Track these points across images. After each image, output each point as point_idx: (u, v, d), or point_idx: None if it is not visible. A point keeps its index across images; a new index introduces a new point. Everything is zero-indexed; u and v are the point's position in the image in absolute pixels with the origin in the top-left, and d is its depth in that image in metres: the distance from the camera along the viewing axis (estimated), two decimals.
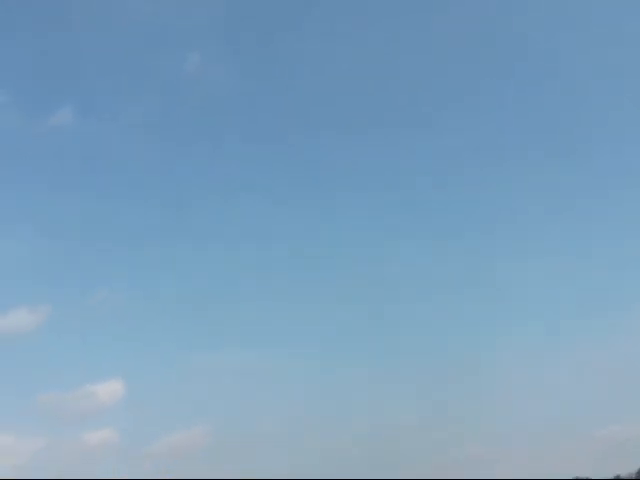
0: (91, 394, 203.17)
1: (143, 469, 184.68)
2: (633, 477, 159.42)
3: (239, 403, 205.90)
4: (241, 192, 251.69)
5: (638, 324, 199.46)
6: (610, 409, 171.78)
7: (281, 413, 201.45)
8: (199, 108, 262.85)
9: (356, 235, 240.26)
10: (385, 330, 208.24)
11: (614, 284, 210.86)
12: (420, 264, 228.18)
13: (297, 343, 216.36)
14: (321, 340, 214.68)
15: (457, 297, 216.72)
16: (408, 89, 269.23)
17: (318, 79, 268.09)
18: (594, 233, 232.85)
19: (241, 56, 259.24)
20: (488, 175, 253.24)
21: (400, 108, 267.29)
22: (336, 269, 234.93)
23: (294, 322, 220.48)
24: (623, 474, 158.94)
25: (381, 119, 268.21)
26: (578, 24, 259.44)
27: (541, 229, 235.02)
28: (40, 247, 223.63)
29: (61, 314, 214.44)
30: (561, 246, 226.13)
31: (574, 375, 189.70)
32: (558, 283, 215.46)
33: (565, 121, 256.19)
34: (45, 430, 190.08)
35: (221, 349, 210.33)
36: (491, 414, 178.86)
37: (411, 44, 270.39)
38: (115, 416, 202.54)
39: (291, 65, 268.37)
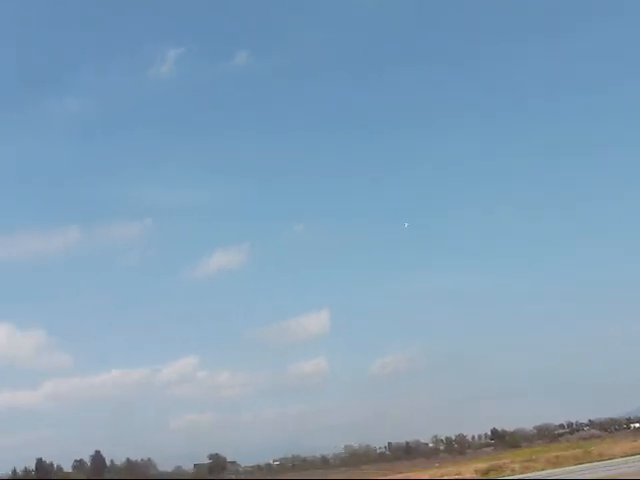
0: (300, 325, 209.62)
1: (355, 394, 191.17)
2: None
3: (439, 328, 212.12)
4: None
5: None
6: None
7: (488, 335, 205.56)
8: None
9: None
10: None
11: None
12: None
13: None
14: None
15: None
16: None
17: None
18: None
19: None
20: None
21: None
22: None
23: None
24: None
25: None
26: None
27: None
28: (231, 189, 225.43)
29: (261, 251, 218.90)
30: None
31: None
32: None
33: None
34: (258, 362, 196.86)
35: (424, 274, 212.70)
36: None
37: None
38: (324, 345, 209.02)
39: None
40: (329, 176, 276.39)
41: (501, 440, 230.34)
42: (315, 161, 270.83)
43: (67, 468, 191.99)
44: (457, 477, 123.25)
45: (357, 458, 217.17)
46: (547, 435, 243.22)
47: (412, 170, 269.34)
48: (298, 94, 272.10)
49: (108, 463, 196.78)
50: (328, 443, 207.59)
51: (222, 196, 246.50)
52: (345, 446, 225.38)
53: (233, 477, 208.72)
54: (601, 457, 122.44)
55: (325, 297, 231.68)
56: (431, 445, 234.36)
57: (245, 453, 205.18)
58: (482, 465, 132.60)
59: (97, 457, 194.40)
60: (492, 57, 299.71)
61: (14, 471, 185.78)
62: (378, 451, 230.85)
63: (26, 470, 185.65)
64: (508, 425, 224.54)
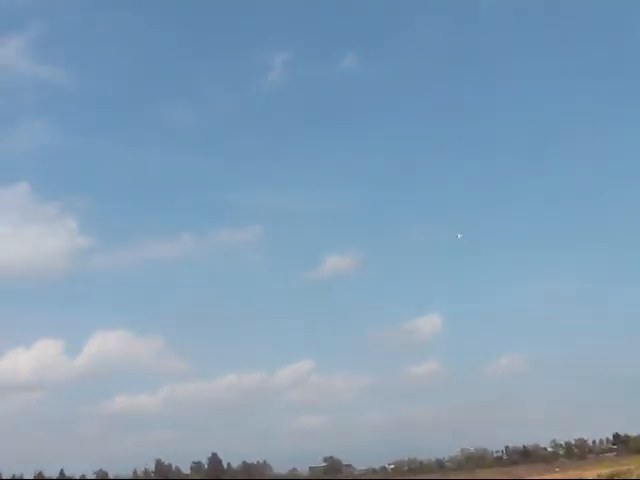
0: (413, 328, 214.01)
1: (468, 396, 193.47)
2: None
3: (555, 330, 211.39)
4: None
5: None
6: None
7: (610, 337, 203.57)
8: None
9: None
10: None
11: None
12: None
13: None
14: None
15: None
16: None
17: None
18: None
19: None
20: None
21: None
22: None
23: None
24: None
25: None
26: None
27: None
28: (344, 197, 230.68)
29: (373, 255, 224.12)
30: None
31: None
32: None
33: None
34: (372, 365, 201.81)
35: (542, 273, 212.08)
36: None
37: None
38: (436, 348, 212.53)
39: None
40: (440, 181, 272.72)
41: (624, 445, 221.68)
42: (426, 166, 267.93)
43: (185, 469, 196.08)
44: None
45: (473, 462, 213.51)
46: None
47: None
48: (409, 97, 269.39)
49: (225, 465, 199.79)
50: (442, 446, 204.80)
51: (333, 201, 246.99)
52: (461, 449, 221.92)
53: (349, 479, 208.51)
54: None
55: (438, 299, 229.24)
56: (550, 449, 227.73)
57: (359, 456, 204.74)
58: (605, 470, 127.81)
59: (214, 459, 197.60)
60: None
61: (135, 472, 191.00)
62: (495, 455, 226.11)
63: (146, 471, 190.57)
64: (631, 430, 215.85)
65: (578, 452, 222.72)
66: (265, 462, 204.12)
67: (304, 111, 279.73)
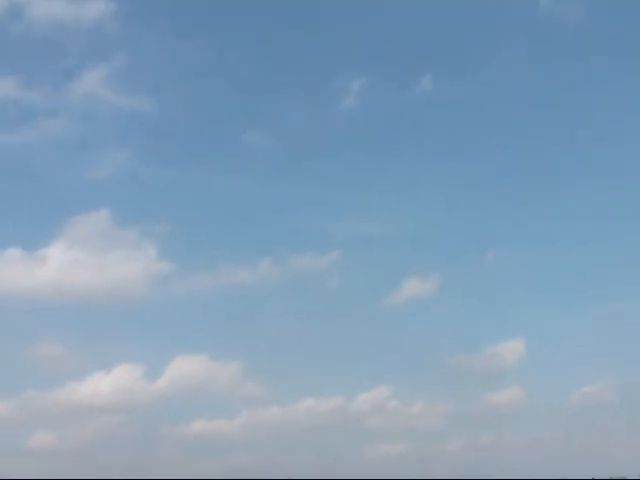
0: (494, 354, 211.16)
1: (552, 426, 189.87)
2: None
3: None
4: None
5: None
6: None
7: None
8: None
9: None
10: None
11: None
12: None
13: None
14: None
15: None
16: None
17: None
18: None
19: None
20: None
21: None
22: None
23: None
24: None
25: None
26: None
27: None
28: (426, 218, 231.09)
29: (452, 279, 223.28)
30: None
31: None
32: None
33: None
34: (451, 392, 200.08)
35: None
36: None
37: None
38: (520, 375, 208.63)
39: None
40: (521, 200, 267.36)
41: None
42: (506, 184, 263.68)
43: None
44: None
45: None
46: None
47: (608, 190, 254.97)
48: (486, 116, 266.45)
49: None
50: (524, 476, 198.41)
51: (410, 224, 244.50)
52: None
53: None
54: None
55: (521, 324, 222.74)
56: None
57: None
58: None
59: None
60: None
61: None
62: None
63: None
64: None
65: None
66: None
67: (380, 136, 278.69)
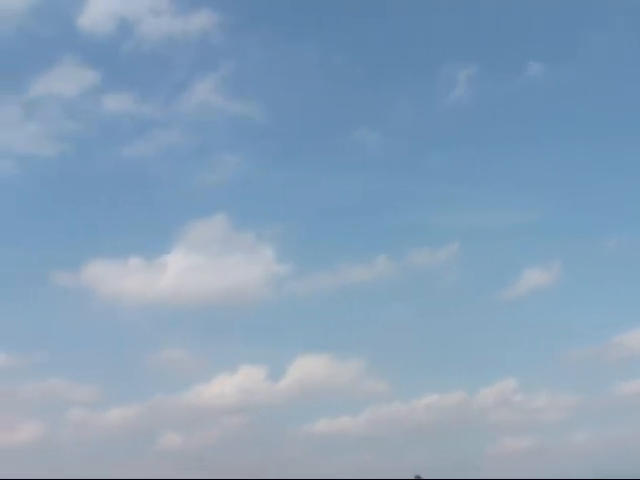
0: (621, 343, 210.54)
1: None
2: None
3: None
4: None
5: None
6: None
7: None
8: None
9: None
10: None
11: None
12: None
13: None
14: None
15: None
16: None
17: None
18: None
19: None
20: None
21: None
22: None
23: None
24: None
25: None
26: None
27: None
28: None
29: (573, 268, 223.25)
30: None
31: None
32: None
33: None
34: (578, 384, 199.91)
35: None
36: None
37: None
38: None
39: None
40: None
41: None
42: (625, 170, 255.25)
43: None
44: None
45: None
46: None
47: None
48: (599, 101, 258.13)
49: None
50: None
51: (526, 214, 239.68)
52: None
53: None
54: None
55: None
56: None
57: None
58: None
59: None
60: None
61: None
62: None
63: None
64: None
65: None
66: None
67: (490, 126, 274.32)
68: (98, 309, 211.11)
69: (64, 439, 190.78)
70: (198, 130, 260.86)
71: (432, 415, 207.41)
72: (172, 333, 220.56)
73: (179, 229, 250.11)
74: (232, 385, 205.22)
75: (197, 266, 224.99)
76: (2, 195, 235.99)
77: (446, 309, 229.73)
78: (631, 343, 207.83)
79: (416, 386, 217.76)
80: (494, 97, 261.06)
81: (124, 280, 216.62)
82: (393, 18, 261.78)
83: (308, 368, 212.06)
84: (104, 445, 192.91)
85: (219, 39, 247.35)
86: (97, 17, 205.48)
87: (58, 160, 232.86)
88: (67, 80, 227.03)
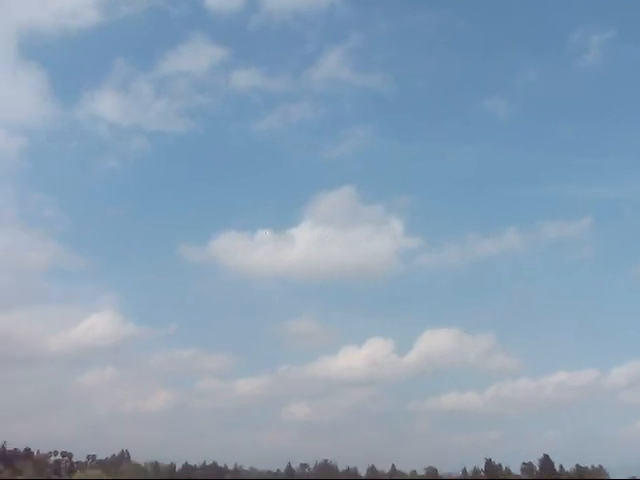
0: None
1: None
2: None
3: None
4: None
5: None
6: None
7: None
8: None
9: None
10: None
11: None
12: None
13: None
14: None
15: None
16: None
17: None
18: None
19: None
20: None
21: None
22: None
23: None
24: None
25: None
26: None
27: None
28: None
29: None
30: None
31: None
32: None
33: None
34: None
35: None
36: None
37: None
38: None
39: None
40: None
41: None
42: None
43: (515, 470, 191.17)
44: None
45: None
46: None
47: None
48: None
49: (557, 467, 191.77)
50: None
51: None
52: None
53: None
54: None
55: None
56: None
57: None
58: None
59: (545, 461, 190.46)
60: None
61: (464, 470, 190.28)
62: None
63: (475, 470, 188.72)
64: None
65: None
66: (601, 467, 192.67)
67: (624, 94, 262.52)
68: (226, 282, 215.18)
69: (195, 408, 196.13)
70: (326, 103, 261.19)
71: (562, 393, 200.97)
72: (300, 305, 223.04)
73: (307, 202, 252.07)
74: (359, 358, 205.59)
75: (325, 239, 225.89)
76: (133, 171, 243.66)
77: (578, 284, 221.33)
78: None
79: (546, 363, 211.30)
80: (628, 63, 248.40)
81: (252, 253, 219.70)
82: None
83: (435, 342, 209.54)
84: (233, 414, 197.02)
85: (345, 12, 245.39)
86: None
87: (188, 136, 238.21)
88: (196, 57, 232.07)
